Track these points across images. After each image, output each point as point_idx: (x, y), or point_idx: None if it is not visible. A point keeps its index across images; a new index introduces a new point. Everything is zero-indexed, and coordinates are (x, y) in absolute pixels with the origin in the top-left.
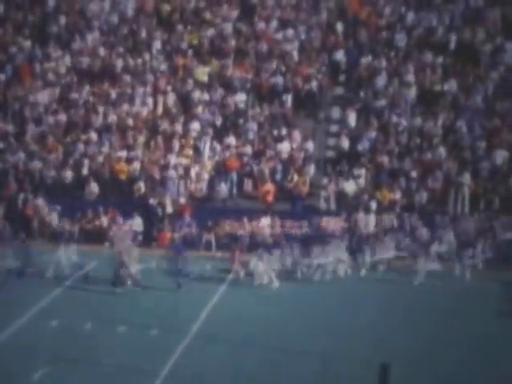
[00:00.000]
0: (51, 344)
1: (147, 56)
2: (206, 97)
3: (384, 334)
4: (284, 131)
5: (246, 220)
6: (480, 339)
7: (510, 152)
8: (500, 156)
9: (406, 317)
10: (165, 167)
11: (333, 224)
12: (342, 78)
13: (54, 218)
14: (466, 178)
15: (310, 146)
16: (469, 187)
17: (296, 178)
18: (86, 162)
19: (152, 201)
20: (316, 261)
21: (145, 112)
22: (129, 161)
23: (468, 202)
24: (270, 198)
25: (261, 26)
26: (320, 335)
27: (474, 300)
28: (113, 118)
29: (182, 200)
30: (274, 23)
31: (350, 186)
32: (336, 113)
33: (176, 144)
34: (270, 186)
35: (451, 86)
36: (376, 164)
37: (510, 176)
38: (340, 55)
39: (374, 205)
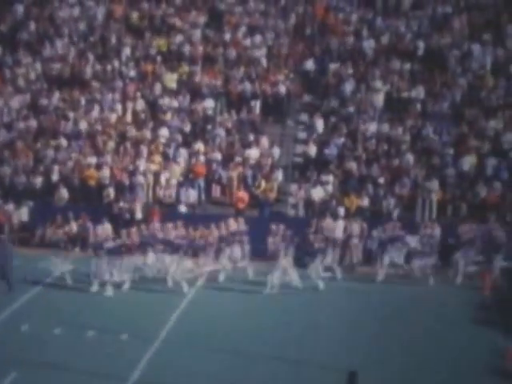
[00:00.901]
0: (20, 349)
1: (116, 62)
2: (175, 103)
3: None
4: (252, 137)
5: (213, 226)
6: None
7: (478, 159)
8: (468, 162)
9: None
10: (134, 173)
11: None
12: (310, 84)
13: (24, 214)
14: (434, 184)
15: (277, 152)
16: (437, 194)
17: (264, 184)
18: (56, 168)
19: (121, 207)
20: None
21: (114, 118)
22: (98, 167)
23: (436, 208)
24: (243, 205)
25: (229, 32)
26: (290, 341)
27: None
28: (82, 124)
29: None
30: (243, 30)
31: (317, 193)
32: (304, 119)
33: (145, 150)
34: (243, 194)
35: (419, 92)
36: (344, 170)
37: (478, 183)
38: (309, 63)
39: (341, 211)
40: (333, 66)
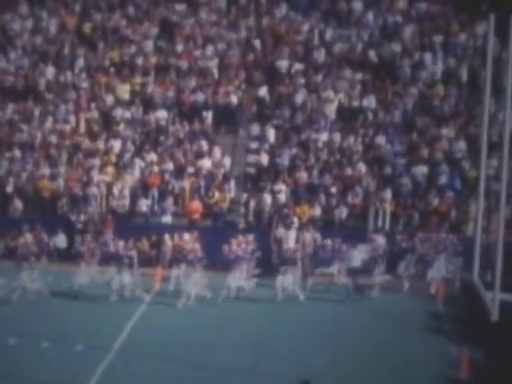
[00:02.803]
0: None
1: (70, 74)
2: (128, 114)
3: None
4: (204, 148)
5: (167, 236)
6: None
7: (430, 167)
8: (419, 172)
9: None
10: (87, 184)
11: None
12: (261, 94)
13: None
14: (387, 193)
15: (228, 162)
16: (389, 203)
17: (217, 194)
18: (11, 179)
19: (75, 217)
20: None
21: (67, 129)
22: (52, 178)
23: (389, 217)
24: (196, 216)
25: (181, 43)
26: (245, 351)
27: None
28: (36, 135)
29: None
30: (194, 40)
31: (269, 202)
32: (256, 129)
33: (98, 161)
34: (197, 205)
35: (370, 101)
36: (296, 180)
37: (430, 192)
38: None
39: (294, 221)
40: (284, 76)
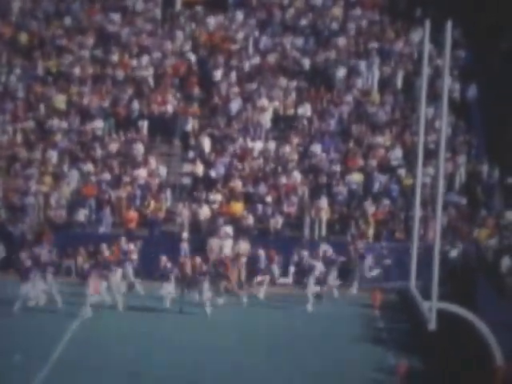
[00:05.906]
0: None
1: (7, 84)
2: (64, 124)
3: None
4: (140, 157)
5: (105, 246)
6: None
7: (366, 176)
8: (355, 180)
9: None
10: (25, 194)
11: None
12: (196, 103)
13: None
14: (323, 202)
15: (164, 171)
16: (326, 211)
17: (153, 203)
18: None
19: (12, 227)
20: None
21: (5, 140)
22: None
23: (325, 226)
24: (132, 225)
25: (117, 53)
26: (183, 363)
27: None
28: None
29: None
30: (130, 50)
31: (204, 212)
32: (191, 139)
33: (35, 171)
34: (133, 214)
35: (305, 109)
36: (231, 189)
37: (365, 200)
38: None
39: (229, 230)
40: (220, 85)
